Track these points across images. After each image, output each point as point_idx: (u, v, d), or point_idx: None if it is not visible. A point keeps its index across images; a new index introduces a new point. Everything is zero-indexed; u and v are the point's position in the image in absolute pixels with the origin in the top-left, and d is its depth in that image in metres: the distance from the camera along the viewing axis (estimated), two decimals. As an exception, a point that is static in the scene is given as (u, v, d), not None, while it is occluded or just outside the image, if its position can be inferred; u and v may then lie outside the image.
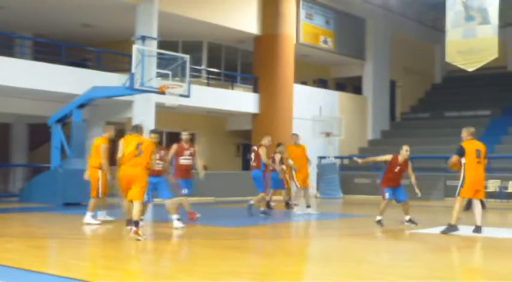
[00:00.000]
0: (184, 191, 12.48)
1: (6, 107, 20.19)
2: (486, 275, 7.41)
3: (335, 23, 28.25)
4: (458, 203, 10.83)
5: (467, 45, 22.61)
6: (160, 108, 19.92)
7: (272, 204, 15.98)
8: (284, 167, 15.81)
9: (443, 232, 10.78)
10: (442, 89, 35.86)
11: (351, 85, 32.52)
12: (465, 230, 10.84)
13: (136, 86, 16.90)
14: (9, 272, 6.83)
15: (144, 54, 17.45)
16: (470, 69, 23.00)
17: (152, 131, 11.11)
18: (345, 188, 24.69)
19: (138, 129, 10.24)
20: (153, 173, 10.53)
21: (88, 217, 11.75)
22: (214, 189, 20.83)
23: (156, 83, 17.68)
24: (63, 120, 18.61)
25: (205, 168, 23.90)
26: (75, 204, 16.36)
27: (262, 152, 13.96)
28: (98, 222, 11.78)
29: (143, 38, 18.49)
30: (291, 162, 15.45)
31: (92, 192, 11.89)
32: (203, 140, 25.95)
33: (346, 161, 27.74)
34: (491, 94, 32.29)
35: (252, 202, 14.19)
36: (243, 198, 21.70)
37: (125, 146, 9.79)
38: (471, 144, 10.92)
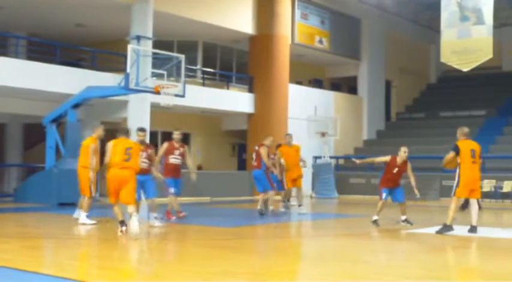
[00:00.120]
0: (171, 190, 12.54)
1: (0, 107, 20.09)
2: (481, 274, 7.42)
3: (330, 23, 28.24)
4: (454, 203, 10.85)
5: (462, 45, 22.62)
6: (155, 108, 19.88)
7: (271, 207, 15.98)
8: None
9: (439, 232, 10.80)
10: (437, 89, 35.92)
11: (346, 85, 32.52)
12: (460, 230, 10.85)
13: (131, 85, 16.88)
14: (4, 272, 6.80)
15: (139, 54, 17.43)
16: (465, 70, 23.01)
17: (139, 129, 11.35)
18: (340, 188, 24.72)
19: (126, 132, 10.39)
20: (141, 171, 10.58)
21: (83, 217, 11.74)
22: (209, 189, 20.83)
23: (151, 82, 17.65)
24: (58, 120, 18.58)
25: (200, 168, 23.95)
26: (69, 204, 16.26)
27: (263, 151, 13.99)
28: (93, 222, 11.74)
29: (138, 38, 18.45)
30: (283, 161, 15.50)
31: (85, 192, 11.86)
32: (198, 140, 25.93)
33: (341, 161, 27.77)
34: (486, 94, 32.34)
35: (271, 208, 14.33)
36: (238, 198, 21.74)
37: (113, 150, 9.92)
38: (466, 144, 10.93)
